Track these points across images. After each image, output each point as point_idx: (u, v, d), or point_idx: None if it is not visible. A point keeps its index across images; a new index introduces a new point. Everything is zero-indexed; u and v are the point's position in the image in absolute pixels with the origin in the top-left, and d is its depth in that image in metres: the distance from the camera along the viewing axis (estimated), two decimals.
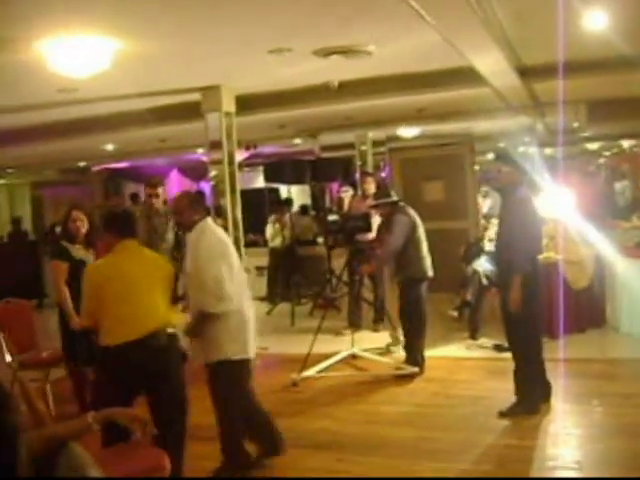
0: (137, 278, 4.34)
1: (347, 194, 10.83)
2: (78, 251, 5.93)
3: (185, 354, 4.97)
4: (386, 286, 8.70)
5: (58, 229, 14.58)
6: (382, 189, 8.28)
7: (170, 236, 7.43)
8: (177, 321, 4.80)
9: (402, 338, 7.59)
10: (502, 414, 5.62)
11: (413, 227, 7.03)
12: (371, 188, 8.79)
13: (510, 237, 5.61)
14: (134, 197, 15.94)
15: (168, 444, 4.07)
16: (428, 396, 6.41)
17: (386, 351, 7.93)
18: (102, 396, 4.20)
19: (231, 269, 4.66)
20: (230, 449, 4.85)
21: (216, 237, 4.76)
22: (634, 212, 11.48)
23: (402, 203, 7.25)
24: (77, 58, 5.74)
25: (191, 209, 4.80)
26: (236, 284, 4.69)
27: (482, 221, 10.92)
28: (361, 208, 8.51)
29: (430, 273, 7.11)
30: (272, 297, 11.79)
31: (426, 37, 6.06)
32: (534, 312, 5.68)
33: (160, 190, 7.14)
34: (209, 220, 4.88)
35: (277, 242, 11.88)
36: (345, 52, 6.84)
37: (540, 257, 5.99)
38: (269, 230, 12.12)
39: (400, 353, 7.56)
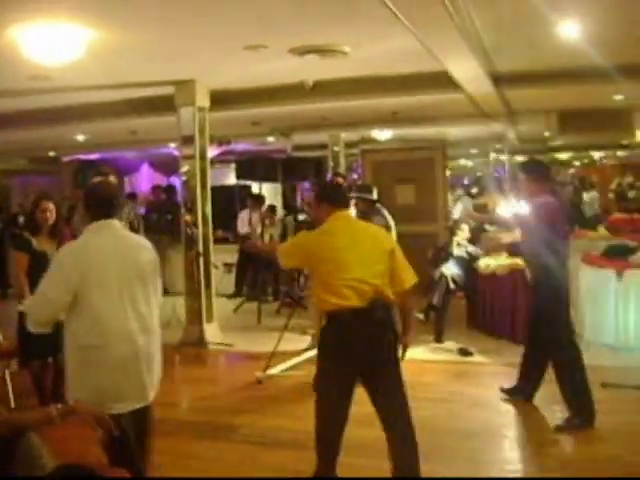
0: (346, 248, 4.01)
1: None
2: (41, 243, 5.84)
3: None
4: None
5: (21, 219, 14.35)
6: (364, 185, 8.28)
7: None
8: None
9: None
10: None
11: (388, 230, 7.03)
12: None
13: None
14: None
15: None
16: None
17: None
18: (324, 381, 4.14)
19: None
20: None
21: (84, 246, 3.67)
22: (601, 222, 11.60)
23: (379, 205, 7.23)
24: (50, 46, 5.69)
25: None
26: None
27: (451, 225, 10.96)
28: None
29: None
30: (240, 294, 11.75)
31: (402, 40, 6.10)
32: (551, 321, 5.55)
33: (112, 179, 6.90)
34: (101, 224, 3.72)
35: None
36: (321, 52, 6.86)
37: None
38: (246, 225, 12.00)
39: None
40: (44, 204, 5.87)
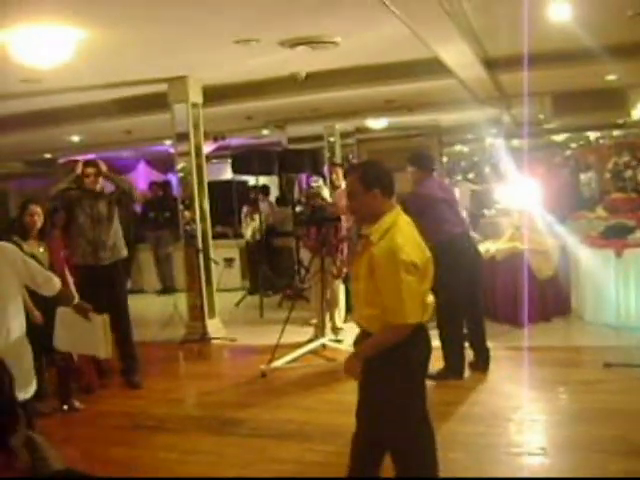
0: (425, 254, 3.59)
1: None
2: (30, 247, 5.83)
3: None
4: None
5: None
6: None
7: (115, 220, 6.78)
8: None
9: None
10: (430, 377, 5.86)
11: None
12: (340, 179, 8.76)
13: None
14: None
15: None
16: None
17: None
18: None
19: None
20: None
21: None
22: (599, 203, 11.61)
23: None
24: (40, 48, 5.69)
25: None
26: None
27: None
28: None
29: None
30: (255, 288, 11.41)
31: (392, 28, 6.08)
32: (453, 289, 5.95)
33: (101, 165, 6.84)
34: None
35: (250, 235, 11.71)
36: (311, 43, 6.85)
37: (459, 235, 6.33)
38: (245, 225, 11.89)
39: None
40: (32, 208, 5.88)
